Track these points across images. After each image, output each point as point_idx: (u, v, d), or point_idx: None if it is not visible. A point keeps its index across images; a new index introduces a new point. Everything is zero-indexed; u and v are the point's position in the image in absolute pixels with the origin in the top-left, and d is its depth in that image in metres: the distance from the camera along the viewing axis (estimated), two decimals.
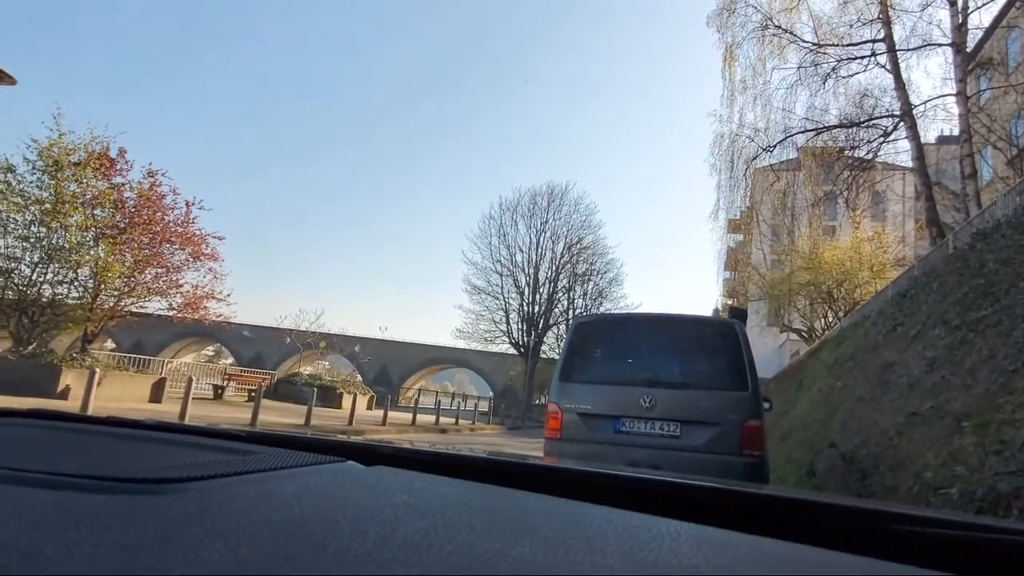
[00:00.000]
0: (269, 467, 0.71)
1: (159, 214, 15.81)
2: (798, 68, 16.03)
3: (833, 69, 15.57)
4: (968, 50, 13.98)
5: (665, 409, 4.88)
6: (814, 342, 22.66)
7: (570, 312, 38.89)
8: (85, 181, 14.90)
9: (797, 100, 16.78)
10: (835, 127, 15.84)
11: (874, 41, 14.92)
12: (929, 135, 17.51)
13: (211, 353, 54.45)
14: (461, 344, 42.81)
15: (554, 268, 40.23)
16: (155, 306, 17.08)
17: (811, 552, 0.57)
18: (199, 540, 0.48)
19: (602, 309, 37.78)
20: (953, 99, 13.77)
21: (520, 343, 39.46)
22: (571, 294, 40.23)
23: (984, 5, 14.23)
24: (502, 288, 40.21)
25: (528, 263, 40.25)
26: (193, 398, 10.30)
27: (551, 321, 39.84)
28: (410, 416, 18.73)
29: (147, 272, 15.90)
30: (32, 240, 14.97)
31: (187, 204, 16.35)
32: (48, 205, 14.49)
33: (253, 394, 14.32)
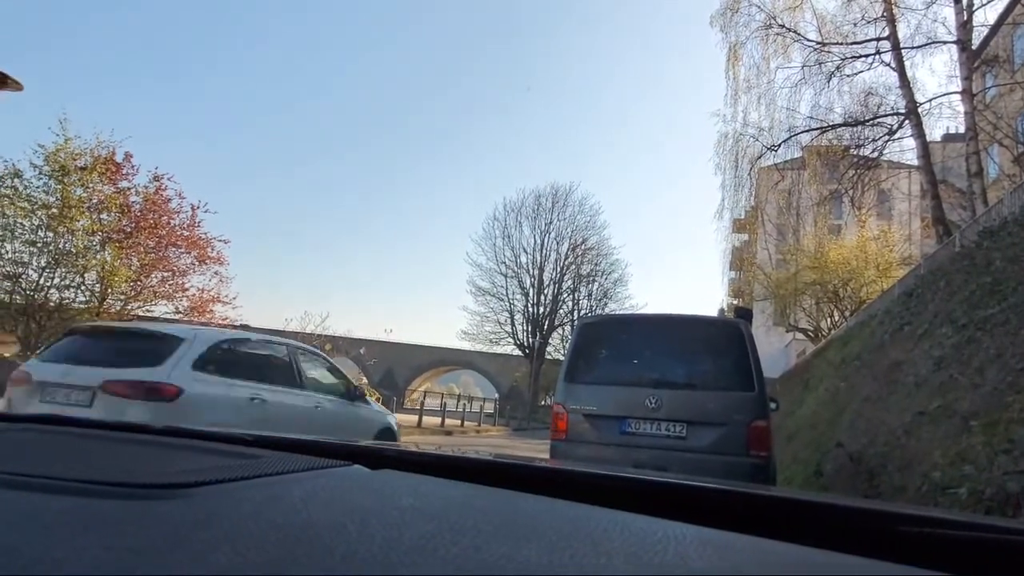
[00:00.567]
0: (276, 471, 0.71)
1: (165, 218, 15.89)
2: (802, 67, 15.98)
3: (837, 68, 15.52)
4: (973, 47, 13.90)
5: (671, 410, 4.87)
6: (820, 341, 22.59)
7: (575, 313, 38.89)
8: (91, 186, 14.99)
9: (801, 99, 16.70)
10: (840, 125, 15.78)
11: (878, 39, 14.87)
12: (935, 133, 17.41)
13: None
14: (466, 346, 42.93)
15: (559, 269, 40.27)
16: (161, 310, 17.16)
17: (816, 554, 0.57)
18: (208, 545, 0.49)
19: (607, 310, 37.76)
20: (958, 97, 13.71)
21: (525, 344, 39.46)
22: (576, 295, 40.27)
23: (989, 2, 14.20)
24: (507, 289, 40.31)
25: (533, 264, 40.30)
26: None
27: (556, 322, 39.84)
28: (416, 418, 18.76)
29: (153, 276, 15.98)
30: (39, 245, 15.06)
31: (192, 208, 16.44)
32: (55, 210, 14.58)
33: None
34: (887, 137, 15.17)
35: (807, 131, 16.17)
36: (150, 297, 16.18)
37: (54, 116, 14.85)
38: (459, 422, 21.57)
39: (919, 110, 14.22)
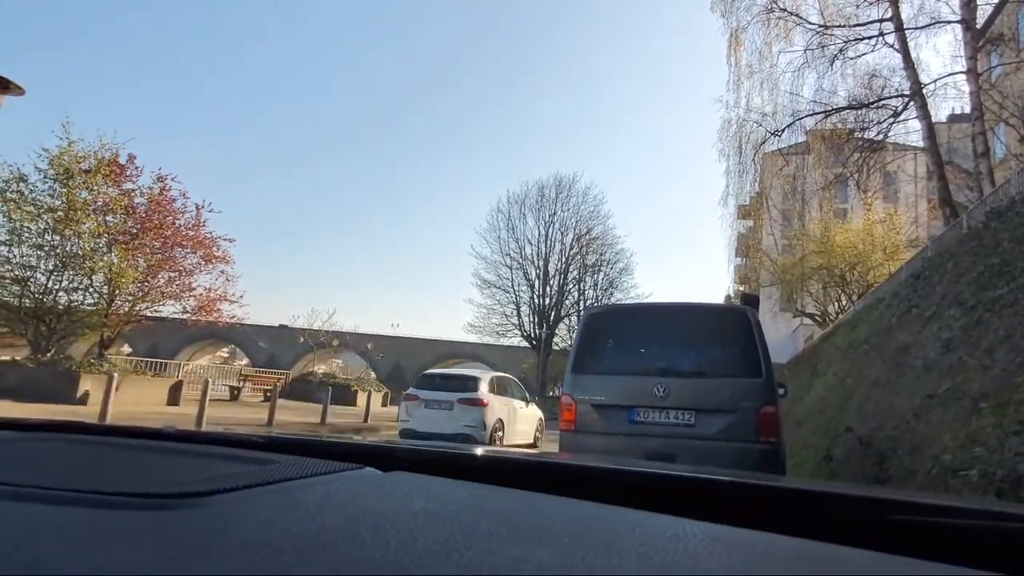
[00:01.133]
0: (289, 477, 0.72)
1: (170, 218, 15.96)
2: (805, 51, 15.83)
3: (840, 50, 15.38)
4: (978, 26, 13.75)
5: (679, 398, 4.88)
6: (828, 326, 22.51)
7: (581, 303, 38.83)
8: (96, 188, 15.08)
9: (804, 83, 16.61)
10: (844, 109, 15.65)
11: (881, 20, 14.71)
12: (940, 114, 17.20)
13: (226, 354, 54.92)
14: (473, 338, 42.95)
15: (564, 260, 40.18)
16: (169, 310, 17.29)
17: (825, 549, 0.57)
18: (226, 554, 0.49)
19: (613, 299, 37.67)
20: (963, 77, 13.57)
21: (532, 336, 39.47)
22: (581, 285, 40.16)
23: None
24: (512, 281, 40.26)
25: (537, 255, 40.23)
26: (210, 400, 10.41)
27: (562, 313, 39.80)
28: None
29: (160, 276, 16.07)
30: (46, 248, 15.17)
31: (197, 208, 16.52)
32: (60, 213, 14.67)
33: (269, 394, 14.45)
34: (892, 119, 15.04)
35: (811, 115, 16.06)
36: (157, 297, 16.28)
37: (55, 116, 14.93)
38: None
39: (924, 91, 14.08)
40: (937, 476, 4.54)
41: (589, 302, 37.62)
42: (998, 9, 17.15)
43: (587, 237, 40.23)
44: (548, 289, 39.89)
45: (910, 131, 15.76)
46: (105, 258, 15.21)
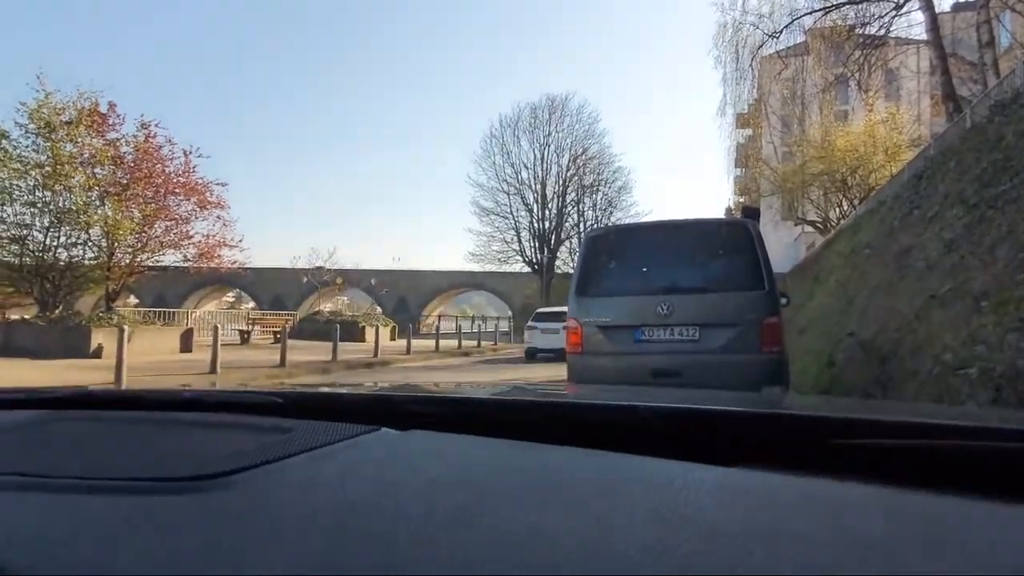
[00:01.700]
0: (307, 447, 0.73)
1: (159, 166, 15.69)
2: None
3: None
4: None
5: (683, 314, 4.93)
6: (829, 233, 22.45)
7: (581, 225, 38.68)
8: (80, 140, 14.75)
9: None
10: (844, 4, 15.02)
11: None
12: (943, 3, 16.56)
13: (232, 299, 55.31)
14: (475, 267, 43.08)
15: (561, 182, 39.77)
16: (170, 259, 17.27)
17: (828, 488, 0.59)
18: (253, 539, 0.51)
19: (613, 219, 37.49)
20: None
21: (533, 261, 39.57)
22: (580, 206, 39.92)
23: None
24: (510, 207, 40.03)
25: (534, 179, 39.81)
26: (221, 345, 10.56)
27: (563, 236, 39.75)
28: (433, 343, 19.13)
29: (156, 226, 15.96)
30: (39, 205, 15.02)
31: (185, 153, 16.20)
32: (48, 168, 14.43)
33: (278, 336, 14.65)
34: (894, 12, 14.48)
35: (810, 13, 15.46)
36: (157, 247, 16.24)
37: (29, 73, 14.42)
38: (475, 343, 21.97)
39: None
40: (938, 375, 4.64)
41: (589, 223, 37.46)
42: None
43: (583, 157, 39.67)
44: (547, 213, 39.69)
45: (913, 24, 15.24)
46: (99, 211, 15.06)
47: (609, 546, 0.47)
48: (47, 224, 15.23)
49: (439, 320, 28.96)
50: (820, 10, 15.27)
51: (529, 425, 0.83)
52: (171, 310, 21.94)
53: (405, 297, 45.02)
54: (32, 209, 15.04)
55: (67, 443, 0.87)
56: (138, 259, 16.06)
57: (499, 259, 40.96)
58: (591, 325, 5.21)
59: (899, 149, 21.63)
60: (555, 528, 0.50)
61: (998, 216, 5.99)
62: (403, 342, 18.04)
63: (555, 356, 13.09)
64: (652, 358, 4.90)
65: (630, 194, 40.92)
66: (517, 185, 39.84)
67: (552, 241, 39.44)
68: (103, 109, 15.13)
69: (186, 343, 14.98)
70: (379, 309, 39.15)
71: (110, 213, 14.88)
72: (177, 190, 15.98)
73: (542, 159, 39.71)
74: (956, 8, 20.79)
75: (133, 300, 30.25)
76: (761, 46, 16.29)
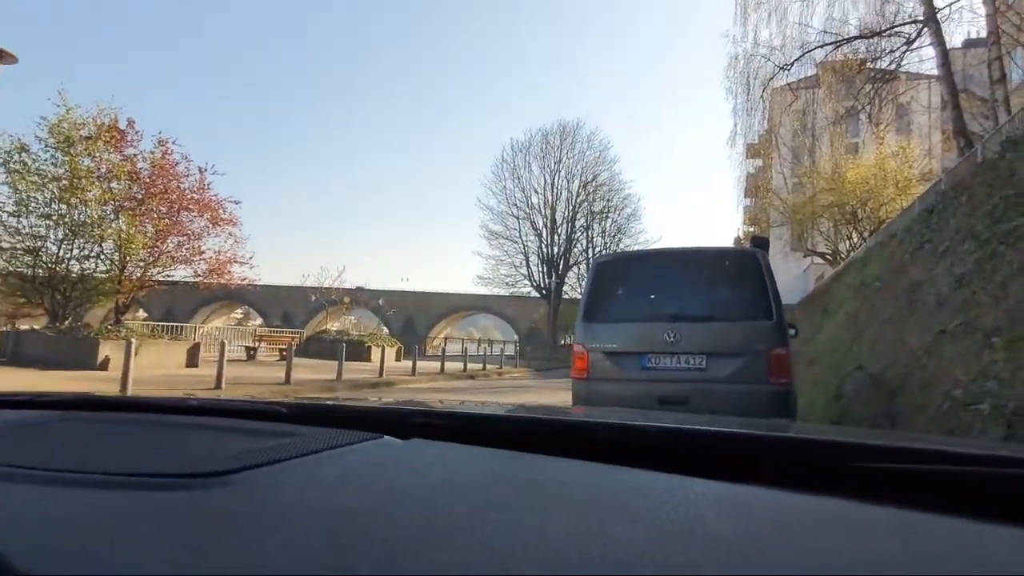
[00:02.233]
0: (311, 450, 0.73)
1: (174, 182, 15.91)
2: None
3: None
4: None
5: (690, 343, 4.90)
6: (839, 265, 22.35)
7: (589, 251, 38.68)
8: (98, 155, 15.02)
9: (814, 12, 16.09)
10: (855, 38, 15.12)
11: None
12: (955, 39, 16.67)
13: (240, 316, 55.55)
14: (483, 290, 43.05)
15: (571, 207, 39.85)
16: (181, 274, 17.42)
17: (833, 506, 0.58)
18: (254, 536, 0.51)
19: (621, 246, 37.49)
20: None
21: (541, 285, 39.52)
22: (589, 232, 39.92)
23: None
24: (520, 231, 40.09)
25: (544, 204, 39.91)
26: (227, 361, 10.58)
27: (571, 261, 39.72)
28: (438, 365, 19.07)
29: (169, 241, 16.13)
30: (55, 218, 15.23)
31: (200, 171, 16.43)
32: (65, 181, 14.66)
33: (284, 353, 14.67)
34: (905, 47, 14.53)
35: (821, 46, 15.54)
36: (168, 262, 16.39)
37: (51, 88, 14.74)
38: (481, 366, 21.91)
39: (938, 16, 13.54)
40: (948, 410, 4.58)
41: (598, 250, 37.47)
42: None
43: (593, 183, 39.78)
44: (556, 238, 39.72)
45: (924, 59, 15.23)
46: (113, 225, 15.27)
47: (608, 554, 0.47)
48: (61, 236, 15.44)
49: (445, 342, 28.98)
50: (831, 44, 15.38)
51: (532, 439, 0.83)
52: (179, 325, 22.05)
53: (413, 318, 45.05)
54: (47, 221, 15.27)
55: (69, 441, 0.87)
56: (149, 273, 16.20)
57: (507, 283, 40.96)
58: (598, 351, 5.18)
59: (910, 183, 21.61)
60: (555, 536, 0.50)
61: (1009, 252, 5.96)
62: (408, 363, 18.00)
63: None
64: (658, 385, 4.86)
65: (639, 221, 41.16)
66: (527, 209, 40.03)
67: (560, 266, 39.43)
68: (122, 125, 15.43)
69: (193, 358, 15.01)
70: (386, 329, 39.14)
71: (124, 227, 15.06)
72: (191, 206, 16.16)
73: (552, 184, 39.93)
74: (967, 44, 20.91)
75: (142, 314, 30.45)
76: (772, 78, 16.40)
